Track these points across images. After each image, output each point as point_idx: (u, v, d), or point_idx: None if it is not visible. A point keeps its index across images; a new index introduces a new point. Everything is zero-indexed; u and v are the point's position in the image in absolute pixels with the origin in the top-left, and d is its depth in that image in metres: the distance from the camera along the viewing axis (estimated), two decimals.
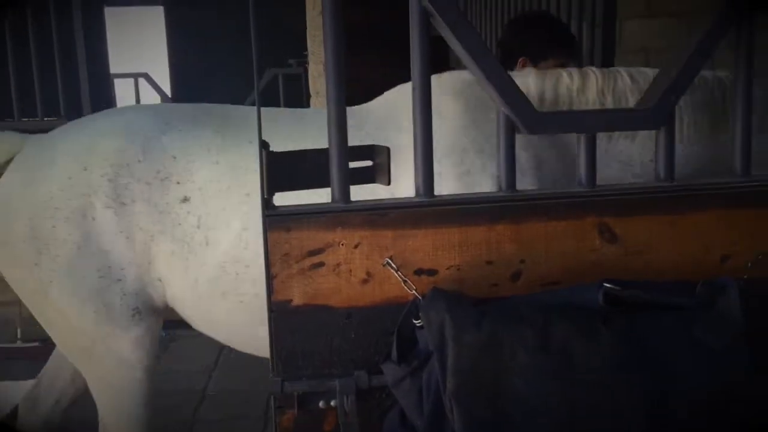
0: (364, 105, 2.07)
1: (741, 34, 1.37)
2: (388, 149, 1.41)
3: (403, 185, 1.55)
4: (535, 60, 2.36)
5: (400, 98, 1.87)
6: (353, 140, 1.35)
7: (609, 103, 1.68)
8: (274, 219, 1.28)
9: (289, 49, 5.03)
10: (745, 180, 1.38)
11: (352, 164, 1.40)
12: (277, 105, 4.96)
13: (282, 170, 1.34)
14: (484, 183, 1.73)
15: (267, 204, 1.29)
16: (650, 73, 1.73)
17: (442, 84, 1.84)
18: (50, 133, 2.06)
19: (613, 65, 2.54)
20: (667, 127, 1.37)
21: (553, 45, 2.33)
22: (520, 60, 2.40)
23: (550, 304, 1.29)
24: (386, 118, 1.95)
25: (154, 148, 1.88)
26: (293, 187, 1.38)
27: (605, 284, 1.26)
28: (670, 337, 1.25)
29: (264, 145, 1.29)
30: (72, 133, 2.04)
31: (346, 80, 1.33)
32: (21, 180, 1.94)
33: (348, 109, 1.34)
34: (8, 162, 1.98)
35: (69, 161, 1.91)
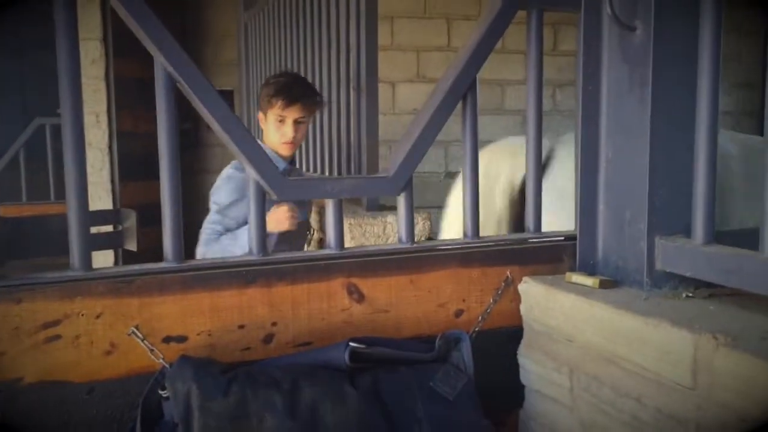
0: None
1: (466, 108, 1.53)
2: (135, 213, 1.38)
3: None
4: (265, 112, 2.55)
5: None
6: None
7: None
8: (1, 291, 1.19)
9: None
10: (474, 241, 1.53)
11: (102, 229, 1.35)
12: (45, 157, 4.63)
13: (17, 237, 1.26)
14: None
15: None
16: None
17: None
18: None
19: (376, 126, 2.69)
20: (406, 193, 1.48)
21: (274, 98, 2.50)
22: (258, 116, 2.63)
23: (299, 365, 1.32)
24: None
25: None
26: (30, 255, 1.30)
27: (351, 343, 1.32)
28: (410, 391, 1.32)
29: None
30: None
31: (85, 140, 1.28)
32: None
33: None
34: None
35: None
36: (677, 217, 1.30)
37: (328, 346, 1.37)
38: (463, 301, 1.49)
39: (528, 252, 1.55)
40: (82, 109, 1.27)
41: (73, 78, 1.25)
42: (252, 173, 1.37)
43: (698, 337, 1.03)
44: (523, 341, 1.48)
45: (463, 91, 1.50)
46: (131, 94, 4.19)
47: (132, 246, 1.39)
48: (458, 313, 1.49)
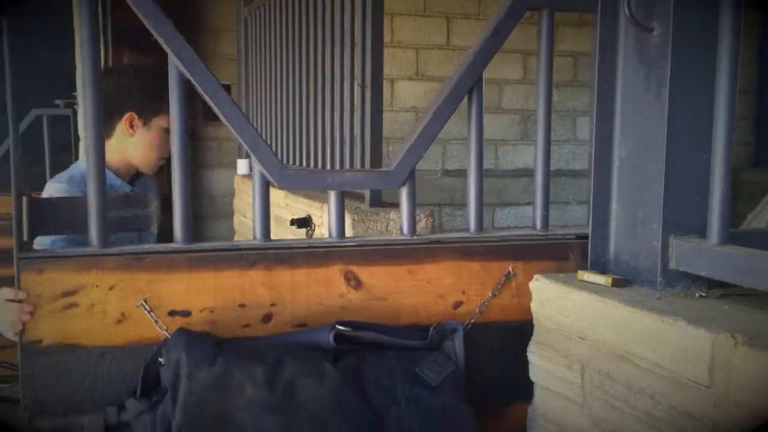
0: None
1: (472, 103, 1.53)
2: (157, 201, 1.46)
3: None
4: (146, 116, 2.01)
5: None
6: None
7: None
8: (26, 261, 1.29)
9: (56, 89, 4.73)
10: (477, 236, 1.54)
11: (122, 212, 1.44)
12: (42, 147, 4.59)
13: (43, 216, 1.35)
14: None
15: (21, 246, 1.28)
16: None
17: None
18: None
19: (381, 123, 2.67)
20: (408, 186, 1.49)
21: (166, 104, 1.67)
22: (126, 116, 2.00)
23: (287, 344, 1.37)
24: None
25: None
26: (55, 232, 1.45)
27: (337, 326, 1.35)
28: (391, 373, 1.35)
29: (23, 191, 1.28)
30: None
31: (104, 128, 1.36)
32: None
33: None
34: None
35: None
36: (691, 217, 1.30)
37: (317, 327, 1.40)
38: (463, 293, 1.50)
39: (533, 248, 1.55)
40: (101, 94, 1.34)
41: (94, 65, 1.32)
42: (256, 164, 1.42)
43: (716, 336, 1.02)
44: (533, 338, 1.47)
45: (468, 86, 1.52)
46: None
47: (154, 228, 1.50)
48: (457, 305, 1.50)
